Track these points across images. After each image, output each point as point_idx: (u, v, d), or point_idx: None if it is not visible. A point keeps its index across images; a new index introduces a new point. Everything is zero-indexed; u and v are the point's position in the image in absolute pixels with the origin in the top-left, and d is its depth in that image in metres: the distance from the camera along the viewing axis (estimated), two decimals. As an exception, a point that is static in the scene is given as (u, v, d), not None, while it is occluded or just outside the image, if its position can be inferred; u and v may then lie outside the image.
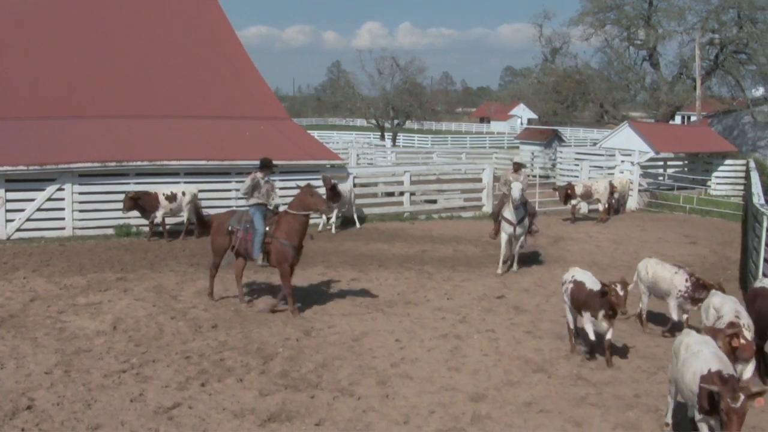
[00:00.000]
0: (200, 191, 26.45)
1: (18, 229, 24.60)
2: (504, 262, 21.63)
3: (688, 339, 10.49)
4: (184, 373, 13.17)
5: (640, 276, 16.54)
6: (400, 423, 11.28)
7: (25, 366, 13.32)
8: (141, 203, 24.50)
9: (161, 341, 14.81)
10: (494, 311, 17.28)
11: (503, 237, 21.39)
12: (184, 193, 25.06)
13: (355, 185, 30.17)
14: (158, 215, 24.78)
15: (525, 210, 21.35)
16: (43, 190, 24.89)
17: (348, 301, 17.95)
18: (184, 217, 25.30)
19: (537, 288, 19.45)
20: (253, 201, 17.19)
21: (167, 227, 25.28)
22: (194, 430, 10.91)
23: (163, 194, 24.78)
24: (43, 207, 24.94)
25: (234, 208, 19.82)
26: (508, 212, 21.14)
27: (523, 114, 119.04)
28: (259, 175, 17.29)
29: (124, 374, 13.04)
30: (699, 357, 9.79)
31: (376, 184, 33.13)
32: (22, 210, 24.67)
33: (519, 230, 21.21)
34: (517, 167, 21.62)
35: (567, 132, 74.58)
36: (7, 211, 24.56)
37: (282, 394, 12.28)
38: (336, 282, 19.78)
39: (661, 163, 40.36)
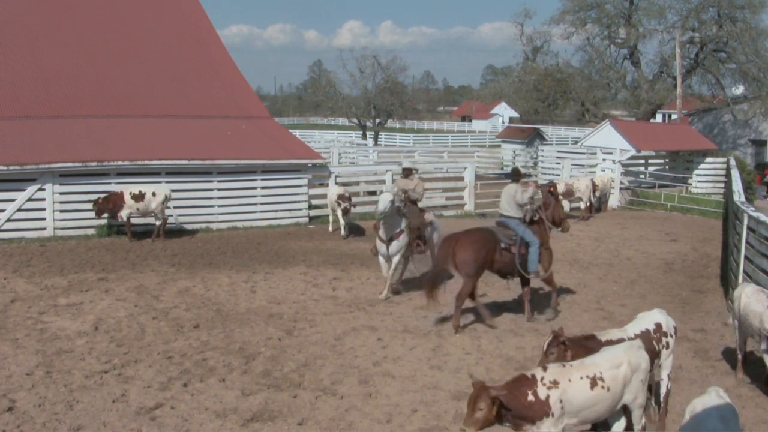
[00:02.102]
0: (182, 191, 26.41)
1: (-2, 230, 24.53)
2: (392, 284, 18.83)
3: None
4: (166, 373, 13.15)
5: (733, 306, 13.99)
6: (382, 422, 11.30)
7: (5, 367, 13.27)
8: (108, 205, 24.39)
9: (143, 341, 14.78)
10: (476, 310, 17.28)
11: (379, 256, 18.79)
12: (154, 194, 24.66)
13: (336, 184, 30.21)
14: (123, 215, 24.54)
15: (401, 225, 18.25)
16: (23, 190, 24.80)
17: (330, 301, 17.96)
18: (158, 218, 25.01)
19: (518, 286, 19.44)
20: (514, 213, 16.90)
21: (132, 226, 24.89)
22: (177, 431, 10.90)
23: (130, 193, 24.51)
24: (23, 207, 24.85)
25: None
26: (381, 228, 18.45)
27: (504, 113, 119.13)
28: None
29: (106, 375, 13.01)
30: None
31: (357, 183, 33.14)
32: (2, 210, 24.56)
33: (392, 249, 18.27)
34: (407, 172, 19.66)
35: (548, 130, 74.90)
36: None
37: (264, 394, 12.28)
38: (318, 281, 19.77)
39: (642, 161, 40.56)
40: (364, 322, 16.19)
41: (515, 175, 17.84)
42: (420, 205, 19.38)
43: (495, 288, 19.18)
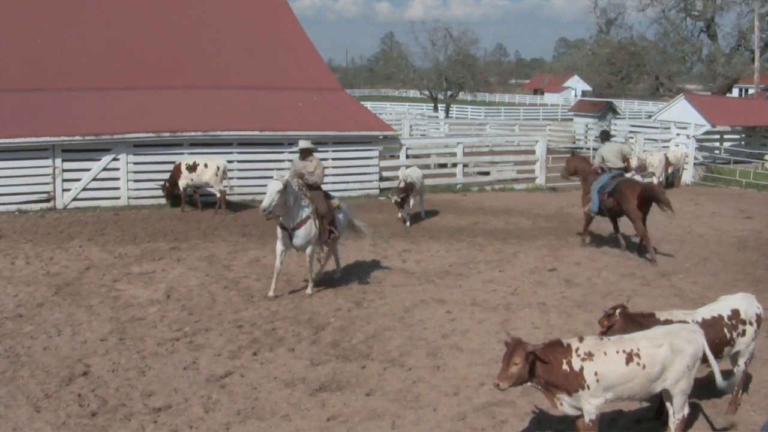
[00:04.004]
0: (253, 162, 26.58)
1: (74, 199, 24.92)
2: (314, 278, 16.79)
3: None
4: (236, 342, 13.28)
5: None
6: (450, 394, 11.29)
7: (80, 333, 13.53)
8: (172, 180, 24.71)
9: (213, 310, 14.95)
10: (545, 284, 17.18)
11: (278, 247, 16.26)
12: (206, 165, 24.78)
13: (407, 156, 30.17)
14: (180, 185, 24.79)
15: (306, 211, 16.06)
16: (98, 160, 25.17)
17: (399, 273, 17.97)
18: (215, 189, 25.04)
19: (588, 261, 19.29)
20: (620, 165, 20.42)
21: (199, 199, 25.25)
22: (246, 399, 11.01)
23: (186, 164, 24.77)
24: (98, 177, 25.23)
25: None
26: (283, 214, 15.86)
27: (576, 86, 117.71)
28: None
29: (177, 342, 13.19)
30: None
31: (428, 156, 33.05)
32: (78, 180, 24.96)
33: (297, 240, 15.93)
34: (305, 153, 16.86)
35: (621, 104, 73.79)
36: (64, 180, 24.86)
37: (333, 364, 12.34)
38: (387, 253, 19.80)
39: (717, 136, 39.80)
40: (433, 295, 16.17)
41: (607, 136, 21.31)
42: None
43: (564, 263, 19.04)
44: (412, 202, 23.62)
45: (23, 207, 24.30)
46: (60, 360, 12.26)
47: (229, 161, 26.12)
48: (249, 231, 21.91)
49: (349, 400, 11.05)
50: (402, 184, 23.45)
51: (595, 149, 41.65)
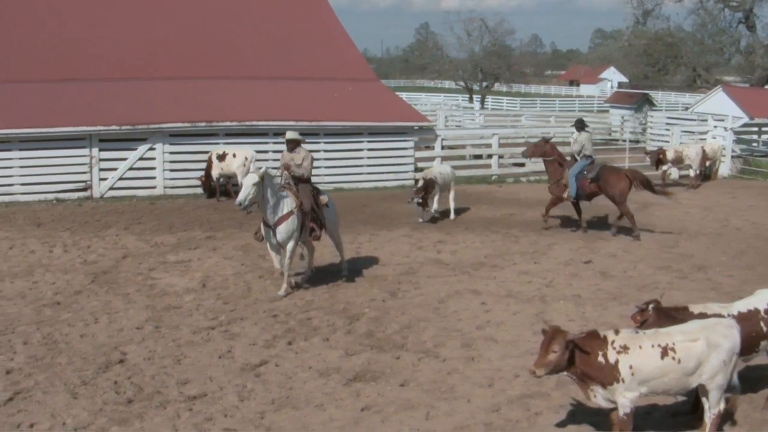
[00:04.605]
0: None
1: (111, 188, 25.11)
2: (293, 275, 16.14)
3: None
4: (271, 331, 13.34)
5: None
6: (484, 386, 11.27)
7: (117, 321, 13.65)
8: (206, 171, 24.93)
9: (249, 299, 15.02)
10: (580, 276, 17.10)
11: (269, 249, 16.05)
12: (234, 155, 24.87)
13: (443, 147, 30.11)
14: (212, 175, 24.95)
15: (288, 206, 15.43)
16: (134, 149, 25.36)
17: (434, 263, 17.94)
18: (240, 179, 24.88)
19: (624, 254, 19.17)
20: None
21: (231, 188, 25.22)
22: (280, 388, 11.05)
23: (216, 154, 24.92)
24: (134, 166, 25.42)
25: None
26: (264, 210, 15.36)
27: (612, 77, 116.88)
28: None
29: (213, 331, 13.27)
30: None
31: (464, 147, 32.96)
32: (115, 169, 25.16)
33: (280, 235, 15.32)
34: (293, 144, 15.98)
35: (658, 96, 73.26)
36: (101, 170, 25.05)
37: (367, 354, 12.36)
38: (422, 243, 19.77)
39: (756, 128, 39.37)
40: (468, 286, 16.14)
41: (582, 125, 21.97)
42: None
43: (600, 256, 18.95)
44: (436, 199, 22.36)
45: (61, 196, 24.54)
46: (97, 347, 12.38)
47: (264, 151, 26.20)
48: (284, 221, 21.93)
49: (383, 390, 11.06)
50: (420, 184, 22.19)
51: (632, 141, 41.53)
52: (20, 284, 15.72)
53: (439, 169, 23.29)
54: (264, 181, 14.90)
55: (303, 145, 16.17)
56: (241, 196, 14.86)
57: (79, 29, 29.29)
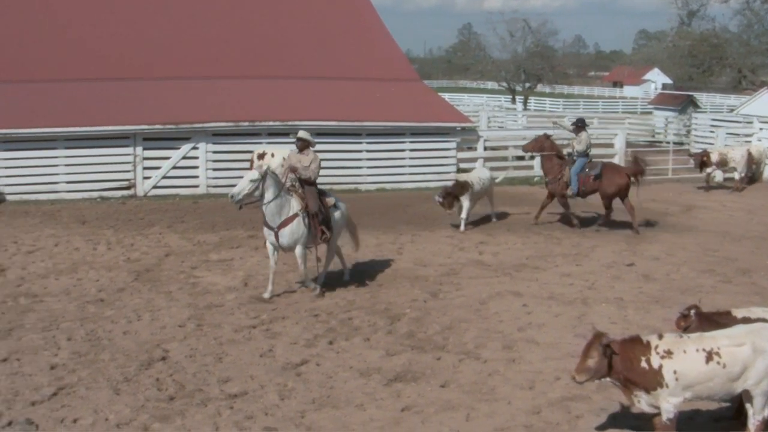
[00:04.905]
0: (331, 152, 26.69)
1: (154, 186, 25.31)
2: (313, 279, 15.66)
3: None
4: (312, 330, 13.36)
5: None
6: (525, 388, 11.21)
7: (159, 319, 13.74)
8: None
9: (290, 299, 15.06)
10: (623, 279, 16.98)
11: (268, 247, 15.48)
12: (273, 155, 24.59)
13: (485, 148, 30.04)
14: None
15: (293, 208, 15.05)
16: (178, 148, 25.57)
17: (475, 264, 17.90)
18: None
19: (667, 257, 19.02)
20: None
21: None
22: (321, 387, 11.06)
23: (257, 153, 24.87)
24: (177, 165, 25.62)
25: None
26: (267, 212, 14.95)
27: (657, 79, 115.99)
28: None
29: (254, 330, 13.31)
30: None
31: (506, 148, 32.86)
32: (158, 168, 25.35)
33: (283, 239, 14.94)
34: (303, 144, 15.69)
35: (702, 98, 72.61)
36: (144, 168, 25.24)
37: (408, 355, 12.34)
38: (464, 245, 19.73)
39: (803, 131, 38.92)
40: (509, 287, 16.08)
41: (584, 124, 22.24)
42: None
43: (642, 258, 18.81)
44: (467, 204, 21.25)
45: (105, 194, 24.75)
46: (139, 344, 12.46)
47: (306, 151, 26.27)
48: (326, 221, 21.97)
49: (423, 391, 11.04)
50: (451, 183, 21.73)
51: (676, 143, 41.14)
52: (65, 281, 15.88)
53: (478, 174, 22.67)
54: (265, 179, 14.64)
55: (311, 148, 15.75)
56: (235, 189, 14.59)
57: (126, 29, 29.50)
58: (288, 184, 15.35)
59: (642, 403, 8.98)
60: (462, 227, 21.18)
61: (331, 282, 16.08)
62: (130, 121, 25.07)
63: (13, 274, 16.33)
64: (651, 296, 15.74)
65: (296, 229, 14.92)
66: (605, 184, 21.27)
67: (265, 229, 15.08)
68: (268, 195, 14.69)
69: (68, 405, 10.25)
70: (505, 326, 13.79)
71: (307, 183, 15.39)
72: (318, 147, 25.81)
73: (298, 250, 15.06)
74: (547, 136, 22.06)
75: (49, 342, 12.48)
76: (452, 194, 21.07)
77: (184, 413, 10.11)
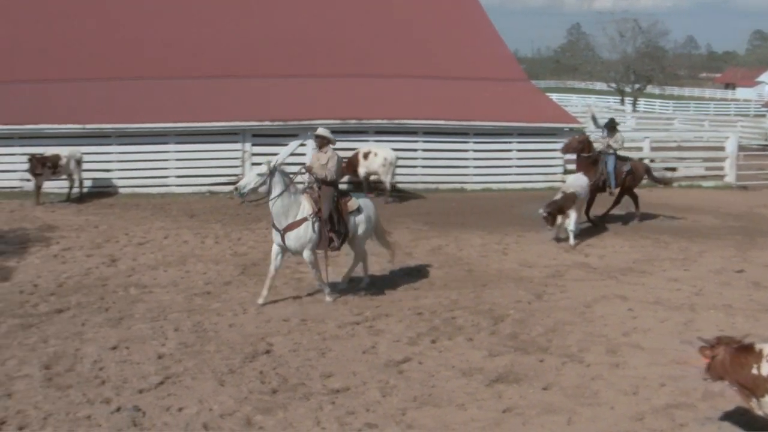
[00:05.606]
0: (438, 151, 26.70)
1: (262, 182, 25.59)
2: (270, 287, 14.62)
3: None
4: (415, 328, 13.38)
5: None
6: (628, 393, 11.06)
7: (265, 312, 13.91)
8: (349, 169, 24.83)
9: (394, 296, 15.11)
10: (732, 285, 16.61)
11: (273, 248, 14.66)
12: (376, 154, 24.73)
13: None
14: (359, 173, 25.00)
15: (303, 211, 14.32)
16: (286, 145, 25.79)
17: (581, 267, 17.73)
18: (382, 178, 24.86)
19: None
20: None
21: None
22: (422, 385, 11.07)
23: (362, 152, 24.95)
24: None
25: None
26: (273, 212, 14.32)
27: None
28: None
29: (358, 326, 13.39)
30: None
31: (613, 150, 32.43)
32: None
33: (290, 242, 14.29)
34: (322, 141, 14.81)
35: (820, 101, 70.87)
36: (252, 164, 25.55)
37: (510, 356, 12.28)
38: (570, 247, 19.54)
39: None
40: (615, 291, 15.88)
41: (616, 124, 23.31)
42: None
43: (753, 265, 18.37)
44: (574, 216, 19.80)
45: (214, 189, 25.15)
46: (244, 337, 12.64)
47: (413, 149, 26.43)
48: (432, 219, 22.02)
49: (525, 392, 10.97)
50: (559, 196, 19.97)
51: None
52: (173, 273, 16.21)
53: (579, 182, 20.99)
54: (273, 175, 14.07)
55: (331, 146, 14.82)
56: (241, 182, 14.25)
57: (235, 28, 30.03)
58: (305, 185, 14.90)
59: (755, 407, 8.92)
60: (572, 240, 19.70)
61: (434, 281, 16.13)
62: (239, 118, 25.49)
63: (124, 264, 16.74)
64: (762, 304, 15.36)
65: (303, 234, 14.26)
66: (636, 178, 22.99)
67: (273, 230, 14.48)
68: (275, 191, 14.13)
69: (174, 394, 10.47)
70: (609, 330, 13.63)
71: (324, 183, 14.61)
72: (424, 146, 26.17)
73: (306, 254, 14.44)
74: (587, 138, 22.28)
75: (157, 332, 12.77)
76: (561, 208, 19.60)
77: (286, 406, 10.23)
